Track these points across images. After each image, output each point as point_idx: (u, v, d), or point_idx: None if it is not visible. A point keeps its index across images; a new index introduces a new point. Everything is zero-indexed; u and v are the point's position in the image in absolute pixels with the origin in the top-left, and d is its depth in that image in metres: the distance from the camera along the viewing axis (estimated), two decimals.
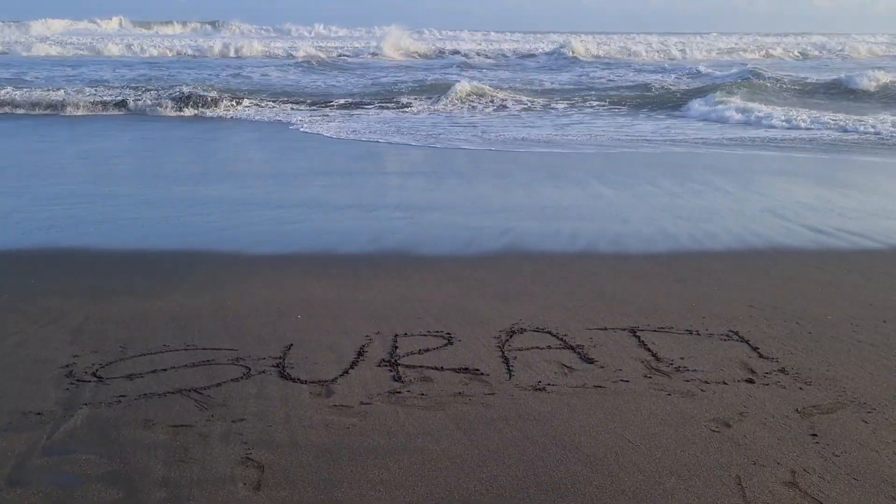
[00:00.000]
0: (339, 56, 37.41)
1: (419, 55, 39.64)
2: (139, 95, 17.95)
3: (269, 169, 10.52)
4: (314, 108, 18.12)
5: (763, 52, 43.31)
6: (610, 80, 26.51)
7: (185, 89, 18.21)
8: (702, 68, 28.49)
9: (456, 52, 39.81)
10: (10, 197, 8.22)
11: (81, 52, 37.83)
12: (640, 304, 4.89)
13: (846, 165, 11.38)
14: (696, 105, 18.03)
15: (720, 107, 17.28)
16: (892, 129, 14.71)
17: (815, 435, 3.24)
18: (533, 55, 39.02)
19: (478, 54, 38.94)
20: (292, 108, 17.83)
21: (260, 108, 17.48)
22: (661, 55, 40.09)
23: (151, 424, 3.27)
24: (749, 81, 22.12)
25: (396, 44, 39.89)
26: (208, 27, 68.28)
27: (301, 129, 14.55)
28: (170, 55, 37.09)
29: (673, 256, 6.09)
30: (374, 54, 38.11)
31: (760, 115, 16.21)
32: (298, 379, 3.74)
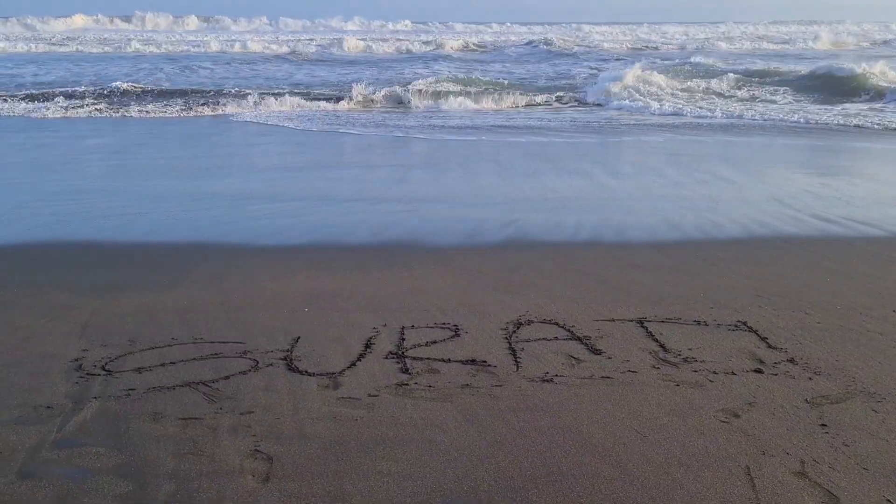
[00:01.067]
0: (327, 48, 37.58)
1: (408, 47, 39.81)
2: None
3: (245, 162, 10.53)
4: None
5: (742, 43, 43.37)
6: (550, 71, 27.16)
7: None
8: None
9: (445, 46, 39.97)
10: (16, 192, 8.24)
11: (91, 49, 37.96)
12: (647, 294, 4.88)
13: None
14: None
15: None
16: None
17: (825, 425, 3.23)
18: (504, 47, 39.13)
19: (449, 48, 39.02)
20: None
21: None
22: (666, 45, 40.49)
23: (160, 417, 3.28)
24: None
25: (354, 42, 39.89)
26: (203, 24, 68.44)
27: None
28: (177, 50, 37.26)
29: (679, 247, 6.07)
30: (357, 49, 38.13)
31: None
32: (306, 371, 3.74)
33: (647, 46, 40.31)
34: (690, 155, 11.07)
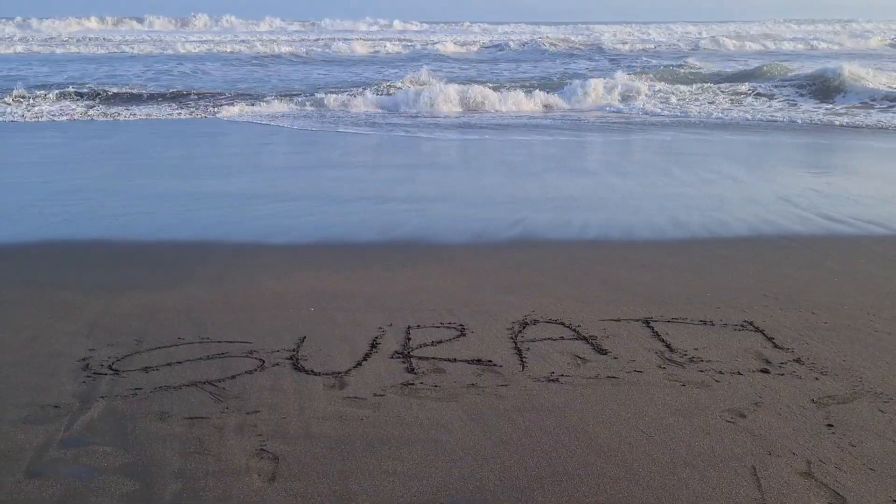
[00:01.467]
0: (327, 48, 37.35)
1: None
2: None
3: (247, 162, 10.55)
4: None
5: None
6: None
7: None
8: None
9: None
10: (23, 191, 8.28)
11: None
12: (652, 294, 4.87)
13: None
14: None
15: None
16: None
17: (832, 425, 3.22)
18: (499, 47, 38.68)
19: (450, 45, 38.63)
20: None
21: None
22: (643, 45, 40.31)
23: (167, 417, 3.29)
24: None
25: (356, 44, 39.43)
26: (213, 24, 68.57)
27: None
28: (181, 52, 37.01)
29: (684, 246, 6.05)
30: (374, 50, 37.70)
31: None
32: (312, 371, 3.75)
33: (657, 46, 40.20)
34: (674, 153, 11.06)
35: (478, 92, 18.04)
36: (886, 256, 5.74)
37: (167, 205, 7.57)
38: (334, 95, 17.92)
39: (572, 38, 43.08)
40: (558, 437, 3.15)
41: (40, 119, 15.29)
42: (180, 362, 3.84)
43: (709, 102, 17.95)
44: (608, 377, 3.68)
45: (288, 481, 2.85)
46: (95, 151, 11.44)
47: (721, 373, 3.72)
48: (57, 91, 18.64)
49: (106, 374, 3.69)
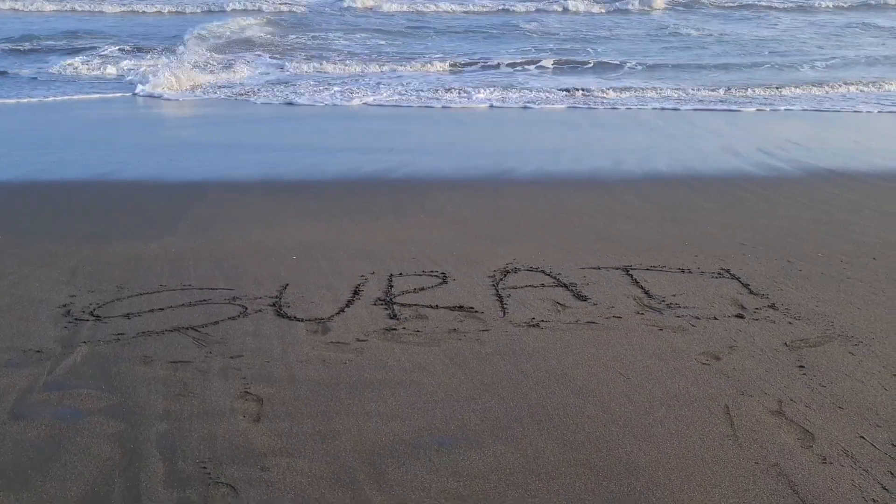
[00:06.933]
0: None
1: None
2: None
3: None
4: None
5: None
6: None
7: None
8: None
9: None
10: (4, 142, 8.14)
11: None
12: (633, 243, 4.93)
13: None
14: None
15: None
16: None
17: (803, 367, 3.31)
18: None
19: None
20: None
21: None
22: None
23: (150, 361, 3.31)
24: None
25: None
26: None
27: None
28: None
29: (666, 196, 6.10)
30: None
31: None
32: (295, 317, 3.78)
33: None
34: None
35: None
36: (862, 205, 5.83)
37: (151, 156, 7.47)
38: None
39: None
40: (538, 380, 3.21)
41: None
42: (162, 309, 3.85)
43: None
44: (587, 322, 3.75)
45: (273, 422, 2.89)
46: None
47: (697, 318, 3.80)
48: None
49: (88, 320, 3.70)
